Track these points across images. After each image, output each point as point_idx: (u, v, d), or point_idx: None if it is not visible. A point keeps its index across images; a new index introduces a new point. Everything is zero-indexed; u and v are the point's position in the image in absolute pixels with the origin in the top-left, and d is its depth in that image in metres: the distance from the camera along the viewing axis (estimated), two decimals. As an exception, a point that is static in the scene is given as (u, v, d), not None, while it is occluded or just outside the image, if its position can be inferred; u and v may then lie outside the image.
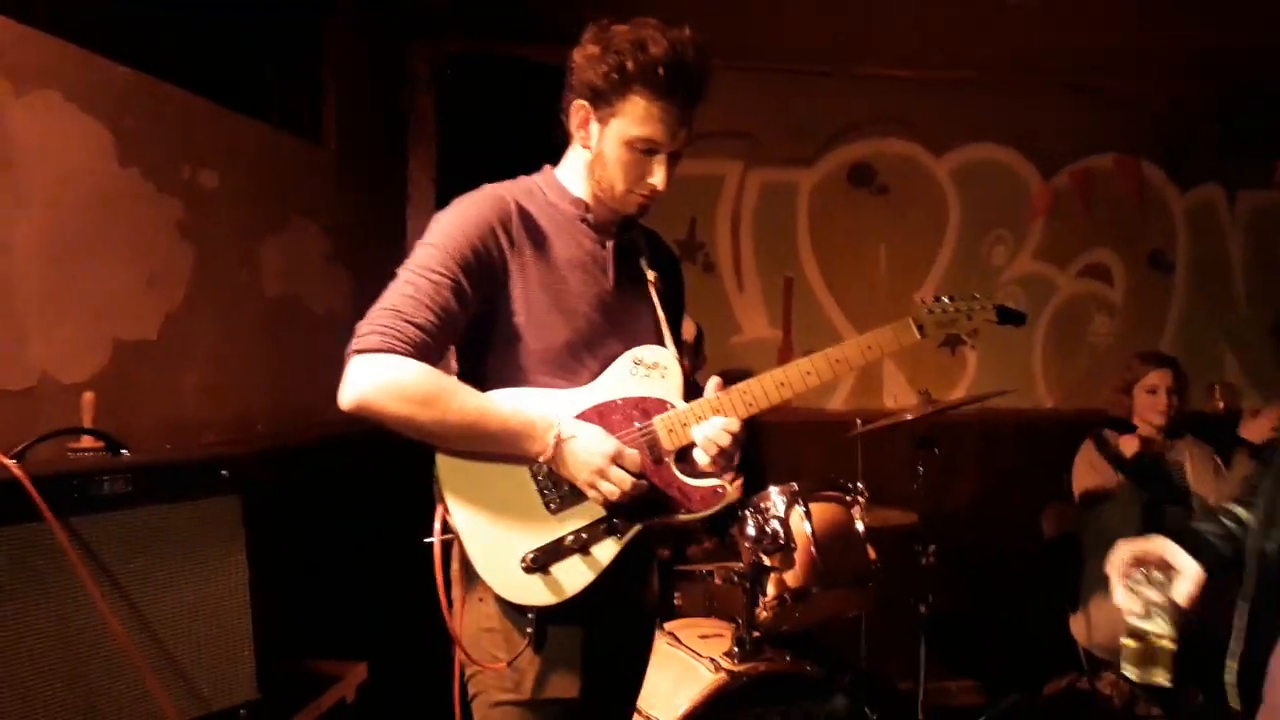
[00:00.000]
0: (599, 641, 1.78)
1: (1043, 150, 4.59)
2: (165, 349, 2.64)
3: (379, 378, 1.60)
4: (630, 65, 1.67)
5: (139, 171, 2.50)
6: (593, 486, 1.68)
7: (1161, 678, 1.69)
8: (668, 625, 2.99)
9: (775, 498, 2.94)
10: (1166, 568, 1.74)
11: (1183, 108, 4.63)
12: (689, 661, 2.74)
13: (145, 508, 1.73)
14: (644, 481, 1.71)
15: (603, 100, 1.72)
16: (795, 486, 2.95)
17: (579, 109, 1.76)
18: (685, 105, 1.72)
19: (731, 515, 3.06)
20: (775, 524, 2.87)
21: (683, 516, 1.78)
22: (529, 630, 1.70)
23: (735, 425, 1.75)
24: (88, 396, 2.18)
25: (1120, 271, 4.69)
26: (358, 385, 1.60)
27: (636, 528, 1.74)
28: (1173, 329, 4.75)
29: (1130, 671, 1.71)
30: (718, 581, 3.00)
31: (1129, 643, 1.72)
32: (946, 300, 1.95)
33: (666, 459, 1.78)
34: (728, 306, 4.42)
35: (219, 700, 1.80)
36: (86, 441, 1.95)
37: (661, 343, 1.86)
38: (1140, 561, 1.76)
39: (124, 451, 1.86)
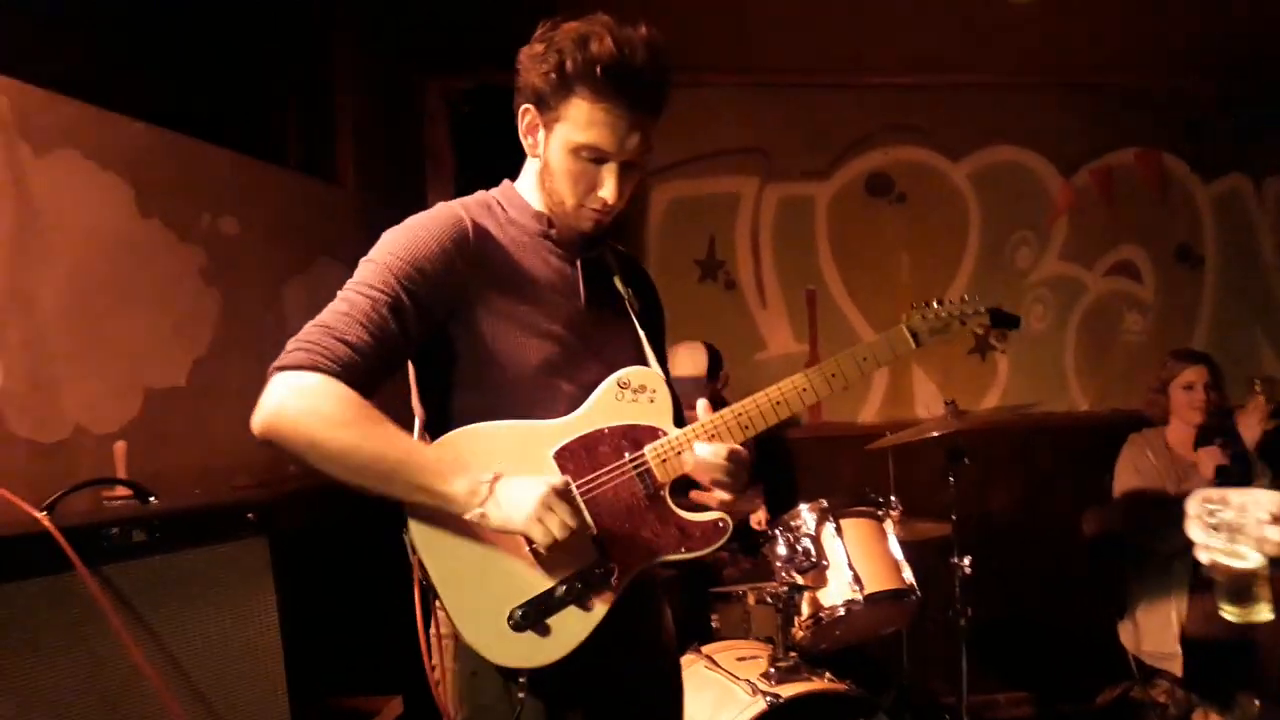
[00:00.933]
0: (610, 707, 1.64)
1: (1061, 149, 4.55)
2: (195, 395, 2.68)
3: (299, 395, 1.43)
4: (569, 65, 1.52)
5: (160, 222, 2.55)
6: (539, 521, 1.45)
7: (1264, 612, 1.62)
8: (705, 648, 2.97)
9: (805, 515, 2.93)
10: (1243, 508, 1.67)
11: (1200, 98, 4.57)
12: (726, 684, 2.72)
13: (174, 554, 1.74)
14: (586, 525, 1.54)
15: (546, 104, 1.57)
16: (825, 503, 2.93)
17: (524, 114, 1.62)
18: (635, 109, 1.55)
19: (764, 535, 3.05)
20: (806, 542, 2.85)
21: (684, 555, 1.61)
22: (520, 695, 1.53)
23: (724, 451, 1.61)
24: (120, 446, 2.22)
25: (1149, 268, 4.63)
26: (273, 402, 1.44)
27: (635, 570, 1.58)
28: (1206, 323, 4.67)
29: (1230, 614, 1.64)
30: (752, 602, 2.98)
31: (1221, 580, 1.66)
32: (937, 305, 1.86)
33: (662, 492, 1.62)
34: (751, 323, 4.41)
35: (254, 742, 1.81)
36: (120, 490, 1.98)
37: (645, 364, 1.70)
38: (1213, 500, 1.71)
39: (152, 499, 1.89)
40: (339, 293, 1.54)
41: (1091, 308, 4.59)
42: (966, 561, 3.17)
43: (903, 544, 3.09)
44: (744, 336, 4.38)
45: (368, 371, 1.48)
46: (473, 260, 1.58)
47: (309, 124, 3.50)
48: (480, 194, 1.72)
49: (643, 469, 1.61)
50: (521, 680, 1.53)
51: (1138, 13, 3.83)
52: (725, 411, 1.67)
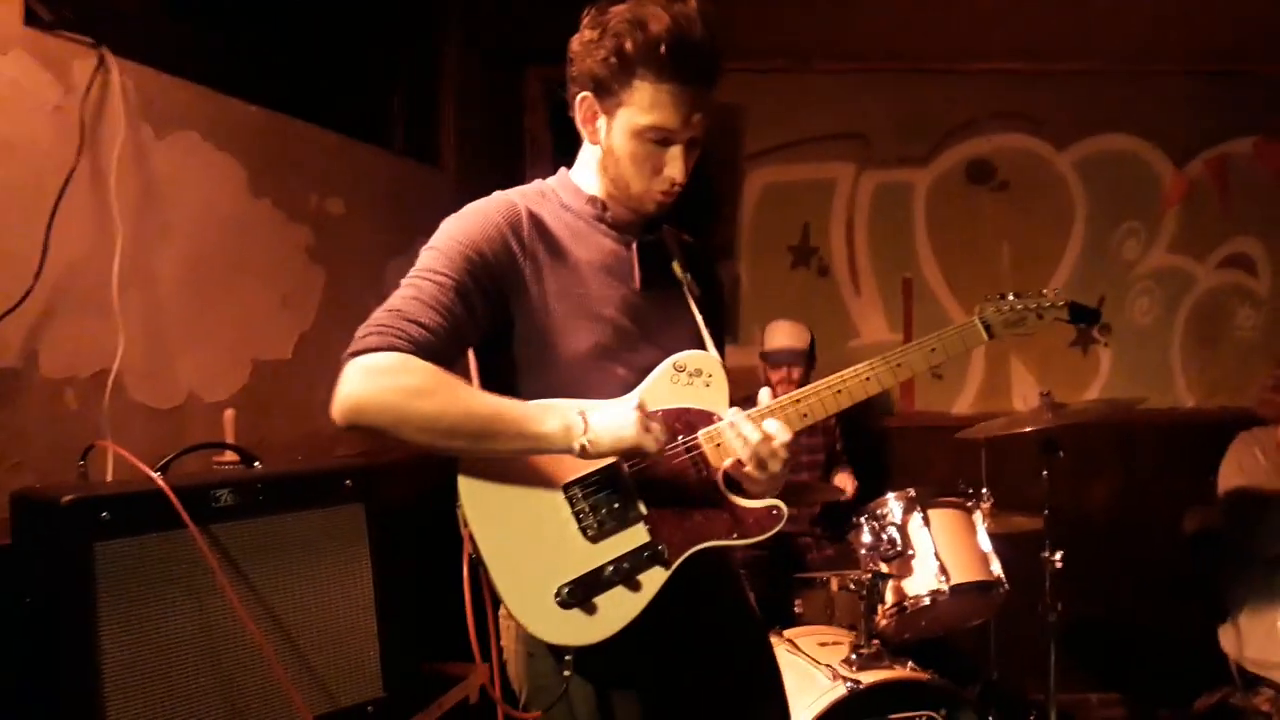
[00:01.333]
0: (668, 692, 1.63)
1: (1174, 138, 4.36)
2: (299, 367, 2.80)
3: (377, 375, 1.43)
4: (629, 47, 1.50)
5: (270, 202, 2.67)
6: (646, 433, 1.49)
7: None
8: (787, 632, 2.98)
9: (892, 504, 2.92)
10: None
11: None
12: (807, 669, 2.73)
13: (276, 516, 1.85)
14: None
15: (606, 90, 1.55)
16: (912, 493, 2.92)
17: (583, 102, 1.60)
18: (696, 85, 1.54)
19: (849, 521, 3.05)
20: (892, 530, 2.84)
21: (735, 541, 1.59)
22: (566, 674, 1.52)
23: (787, 435, 1.57)
24: (229, 414, 2.34)
25: (1265, 261, 4.41)
26: (353, 387, 1.43)
27: (686, 554, 1.57)
28: (1329, 321, 4.45)
29: None
30: (835, 589, 2.98)
31: None
32: (1013, 297, 1.80)
33: (715, 476, 1.61)
34: (845, 310, 4.37)
35: (347, 697, 1.90)
36: (228, 455, 2.10)
37: (703, 348, 1.69)
38: None
39: (256, 464, 1.99)
40: (404, 280, 1.55)
41: (1201, 301, 4.41)
42: (1058, 557, 3.10)
43: (993, 537, 3.05)
44: (837, 324, 4.34)
45: (440, 351, 1.49)
46: (527, 245, 1.59)
47: (414, 109, 3.60)
48: (536, 182, 1.72)
49: (695, 452, 1.61)
50: (568, 659, 1.52)
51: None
52: (783, 399, 1.63)
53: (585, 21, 1.58)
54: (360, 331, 1.49)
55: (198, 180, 2.42)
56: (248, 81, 2.61)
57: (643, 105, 1.54)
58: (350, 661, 1.92)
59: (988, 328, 1.76)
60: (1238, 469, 3.59)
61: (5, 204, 1.95)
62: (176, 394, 2.38)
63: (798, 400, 1.63)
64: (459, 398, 1.47)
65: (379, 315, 1.50)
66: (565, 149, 4.62)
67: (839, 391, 1.65)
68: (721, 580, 1.78)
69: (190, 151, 2.39)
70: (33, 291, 1.97)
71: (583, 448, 1.48)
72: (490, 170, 4.03)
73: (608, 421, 1.49)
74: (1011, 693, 3.53)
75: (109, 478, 2.00)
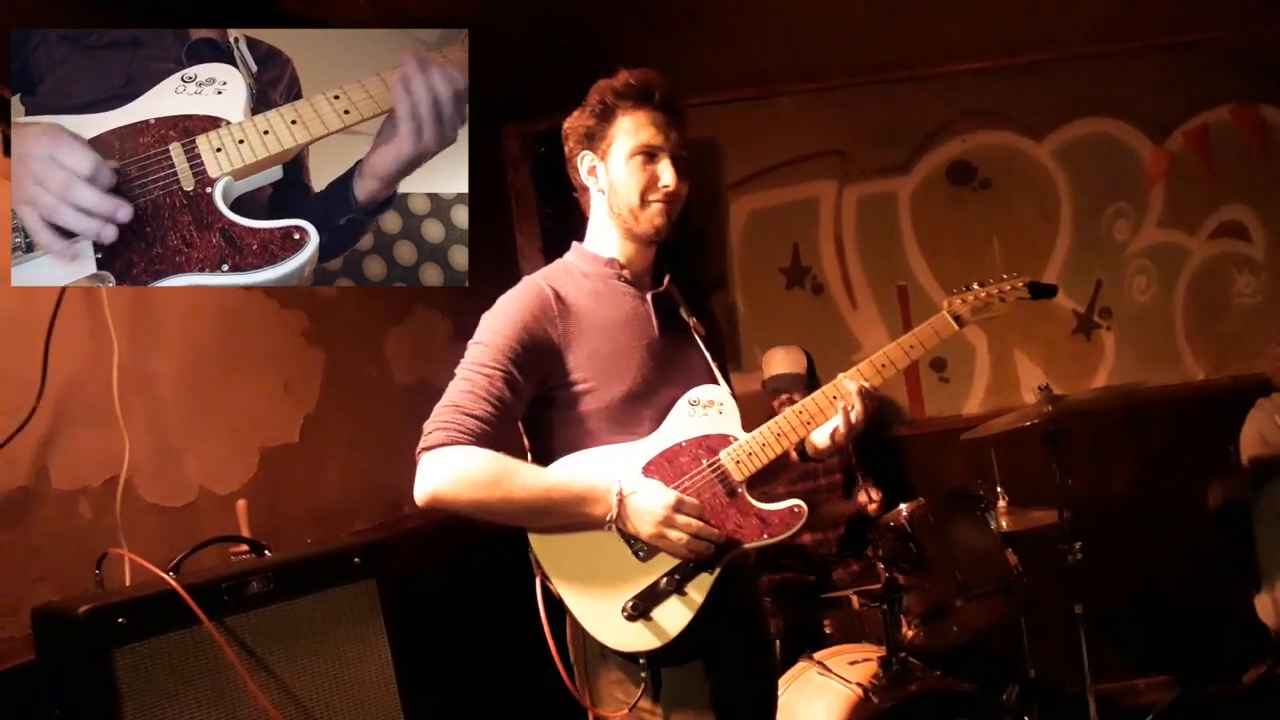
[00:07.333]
0: (721, 674, 1.83)
1: (1149, 115, 4.37)
2: (308, 448, 2.86)
3: (448, 469, 1.73)
4: (607, 98, 1.88)
5: (262, 291, 2.74)
6: (661, 538, 1.76)
7: None
8: (817, 655, 2.99)
9: (905, 516, 2.93)
10: None
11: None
12: (839, 689, 2.74)
13: (289, 601, 1.89)
14: (711, 527, 1.79)
15: (597, 137, 1.90)
16: (923, 501, 2.93)
17: (583, 160, 1.93)
18: (664, 109, 1.88)
19: (869, 529, 3.06)
20: (907, 541, 2.85)
21: (766, 540, 1.83)
22: (643, 675, 1.78)
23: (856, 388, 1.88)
24: (241, 504, 2.39)
25: (1258, 225, 4.38)
26: (429, 480, 1.74)
27: (726, 558, 1.80)
28: (1328, 277, 4.42)
29: None
30: (857, 605, 2.99)
31: None
32: (977, 286, 2.01)
33: (740, 489, 1.85)
34: (844, 325, 4.39)
35: (376, 773, 1.94)
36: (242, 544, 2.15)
37: (714, 382, 1.94)
38: None
39: (266, 552, 2.04)
40: (459, 372, 1.83)
41: (1199, 273, 4.38)
42: (1076, 547, 3.09)
43: (1014, 534, 3.06)
44: (837, 339, 4.36)
45: (495, 436, 1.77)
46: (558, 323, 1.85)
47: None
48: (556, 262, 2.01)
49: (719, 471, 1.85)
50: (642, 661, 1.77)
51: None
52: (787, 412, 1.89)
53: (567, 122, 1.95)
54: (427, 427, 1.77)
55: (187, 281, 2.49)
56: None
57: (627, 132, 1.87)
58: (376, 736, 1.95)
59: (957, 319, 1.98)
60: (1259, 438, 3.56)
61: (3, 329, 2.03)
62: (188, 491, 2.44)
63: (800, 411, 1.89)
64: (518, 486, 1.75)
65: (441, 411, 1.78)
66: (551, 203, 4.62)
67: (834, 398, 1.90)
68: (747, 581, 2.01)
69: (177, 255, 2.46)
70: (37, 409, 2.04)
71: (619, 525, 1.76)
72: (480, 230, 4.08)
73: (634, 517, 1.75)
74: (1052, 688, 3.51)
75: (128, 582, 2.05)
